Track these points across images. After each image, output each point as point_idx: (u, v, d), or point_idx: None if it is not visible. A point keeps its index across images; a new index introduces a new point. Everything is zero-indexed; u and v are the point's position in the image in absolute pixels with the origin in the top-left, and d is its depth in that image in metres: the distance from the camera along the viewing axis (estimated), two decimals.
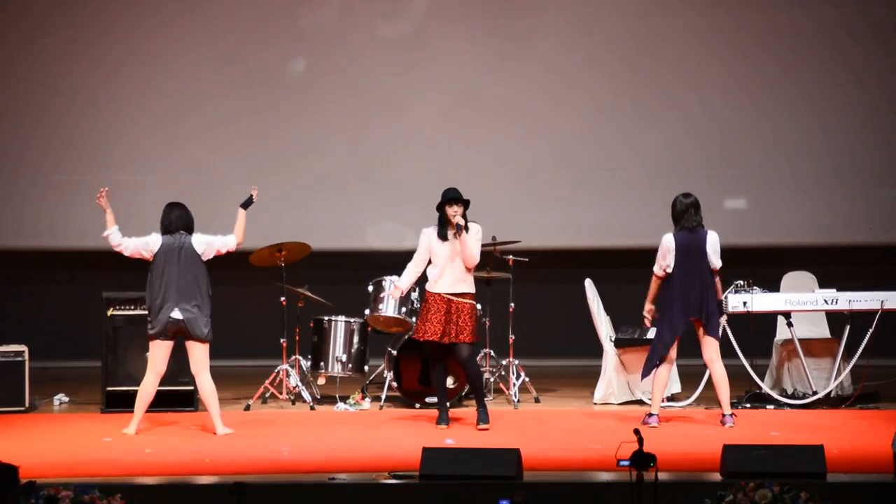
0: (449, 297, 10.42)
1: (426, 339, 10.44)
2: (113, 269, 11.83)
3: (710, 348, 10.50)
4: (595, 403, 11.75)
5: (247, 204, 10.43)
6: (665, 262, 10.50)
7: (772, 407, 11.34)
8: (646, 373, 10.62)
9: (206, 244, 10.23)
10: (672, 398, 11.56)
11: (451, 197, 10.43)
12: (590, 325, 12.02)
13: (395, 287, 10.91)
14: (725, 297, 11.02)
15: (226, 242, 10.30)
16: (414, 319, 11.59)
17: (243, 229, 10.39)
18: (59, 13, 14.34)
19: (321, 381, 11.96)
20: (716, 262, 10.50)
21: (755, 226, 14.36)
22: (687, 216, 10.50)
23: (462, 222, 10.33)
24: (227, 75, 14.36)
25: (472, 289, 10.52)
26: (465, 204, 10.44)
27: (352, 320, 11.87)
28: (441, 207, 10.46)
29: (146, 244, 10.20)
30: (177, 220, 10.24)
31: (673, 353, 10.57)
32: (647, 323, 10.73)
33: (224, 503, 7.77)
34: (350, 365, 11.83)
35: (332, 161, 14.47)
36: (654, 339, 10.64)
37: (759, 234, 14.26)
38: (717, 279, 10.56)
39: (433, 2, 14.50)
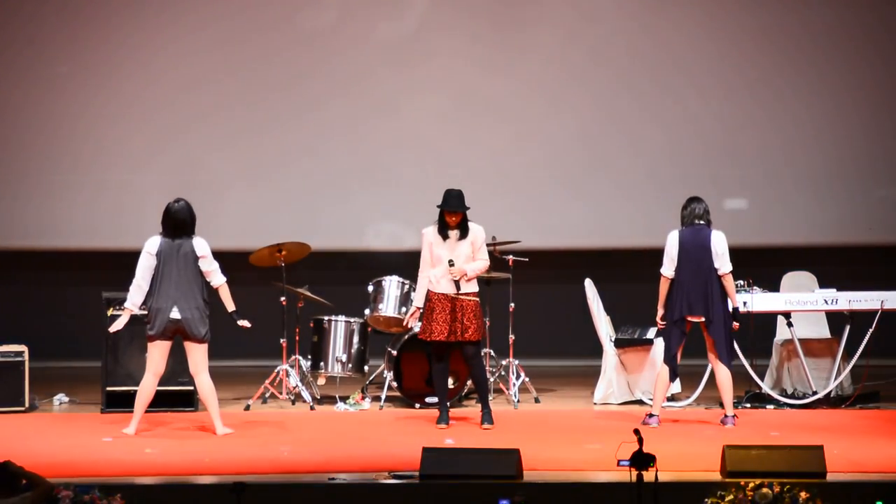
0: (453, 296, 10.43)
1: (433, 339, 10.44)
2: (113, 270, 11.82)
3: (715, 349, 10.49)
4: (595, 403, 11.75)
5: (232, 315, 10.31)
6: (672, 261, 10.47)
7: (772, 407, 11.35)
8: (672, 376, 10.57)
9: (206, 255, 10.18)
10: (672, 398, 11.55)
11: (450, 207, 10.43)
12: (590, 325, 12.02)
13: (415, 309, 10.64)
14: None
15: (215, 275, 10.21)
16: None
17: (227, 295, 10.30)
18: (58, 14, 14.33)
19: (321, 381, 11.96)
20: (722, 266, 10.45)
21: (755, 226, 14.35)
22: (690, 214, 10.51)
23: (457, 276, 10.37)
24: (227, 76, 14.35)
25: (475, 287, 10.55)
26: (466, 208, 10.47)
27: (352, 320, 11.87)
28: (441, 209, 10.49)
29: (146, 260, 10.14)
30: (177, 219, 10.22)
31: (677, 353, 10.55)
32: (661, 327, 10.64)
33: (224, 503, 7.78)
34: (350, 365, 11.83)
35: (332, 161, 14.47)
36: (665, 340, 10.60)
37: (759, 234, 14.25)
38: (729, 284, 10.49)
39: (432, 3, 14.50)
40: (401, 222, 14.26)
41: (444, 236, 10.50)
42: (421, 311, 10.62)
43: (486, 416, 10.50)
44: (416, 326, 10.92)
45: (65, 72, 14.34)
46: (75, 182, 14.36)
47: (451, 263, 10.40)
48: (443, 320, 10.42)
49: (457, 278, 10.40)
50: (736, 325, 10.56)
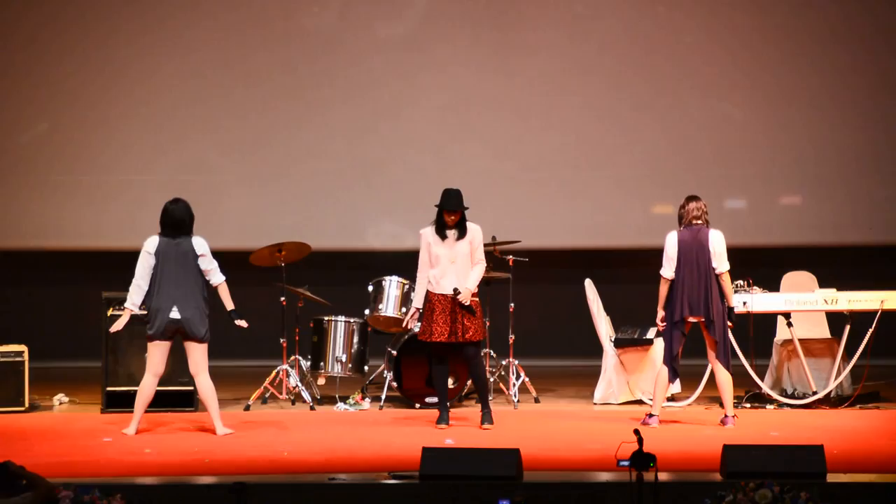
0: (453, 296, 10.42)
1: (434, 340, 10.42)
2: (113, 270, 11.83)
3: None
4: (595, 403, 11.75)
5: (231, 314, 10.28)
6: (672, 261, 10.47)
7: (772, 407, 11.35)
8: (673, 376, 10.56)
9: (205, 254, 10.16)
10: (672, 398, 11.55)
11: (449, 207, 10.42)
12: (590, 325, 12.01)
13: (415, 310, 10.62)
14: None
15: (214, 274, 10.19)
16: None
17: (226, 294, 10.29)
18: (59, 15, 14.34)
19: (321, 381, 11.96)
20: (719, 265, 10.44)
21: (755, 226, 14.35)
22: (688, 214, 10.50)
23: (467, 301, 10.34)
24: (227, 76, 14.36)
25: (475, 288, 10.54)
26: (465, 207, 10.46)
27: (352, 320, 11.87)
28: (439, 209, 10.48)
29: (146, 259, 10.13)
30: (175, 218, 10.21)
31: (678, 354, 10.54)
32: (661, 328, 10.63)
33: (224, 503, 7.78)
34: (350, 365, 11.83)
35: (332, 161, 14.47)
36: (665, 341, 10.59)
37: (759, 234, 14.25)
38: (725, 283, 10.47)
39: (432, 3, 14.50)
40: (401, 222, 14.26)
41: (443, 236, 10.49)
42: (420, 311, 10.62)
43: (486, 417, 10.50)
44: (416, 327, 10.91)
45: (65, 72, 14.33)
46: (76, 182, 14.36)
47: (455, 293, 10.35)
48: (443, 321, 10.41)
49: (467, 302, 10.38)
50: (731, 323, 10.56)
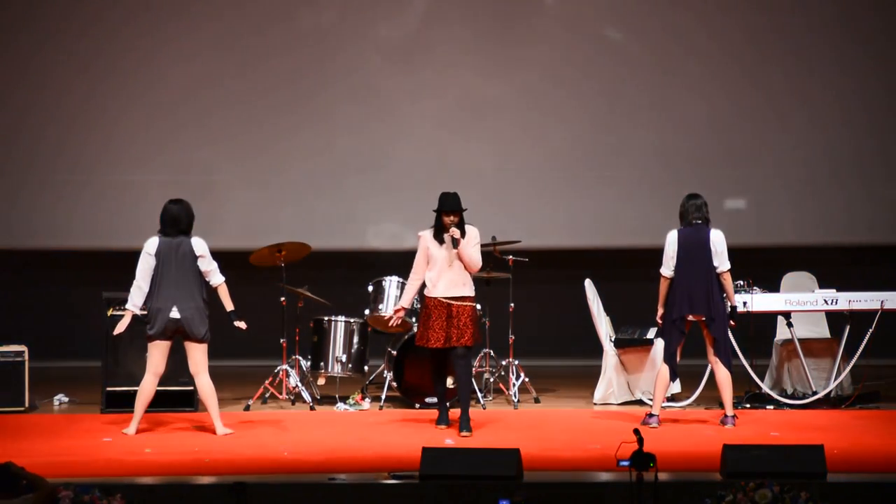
0: (449, 301, 10.37)
1: (430, 346, 10.36)
2: (113, 269, 11.83)
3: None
4: (595, 403, 11.75)
5: (230, 315, 10.27)
6: (672, 260, 10.47)
7: (772, 407, 11.34)
8: (672, 376, 10.56)
9: (205, 254, 10.17)
10: (672, 398, 11.55)
11: (448, 207, 10.37)
12: (590, 325, 12.01)
13: (401, 308, 10.62)
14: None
15: (214, 274, 10.19)
16: (414, 320, 11.57)
17: (226, 295, 10.28)
18: (60, 16, 14.33)
19: (321, 381, 11.96)
20: (721, 264, 10.45)
21: (755, 226, 14.36)
22: (689, 213, 10.51)
23: (457, 235, 10.29)
24: (227, 76, 14.35)
25: (472, 292, 10.43)
26: (463, 209, 10.43)
27: (352, 320, 11.87)
28: (438, 212, 10.45)
29: (146, 261, 10.13)
30: (175, 218, 10.22)
31: (677, 353, 10.54)
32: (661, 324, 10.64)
33: (224, 503, 7.78)
34: (350, 365, 11.83)
35: (333, 161, 14.47)
36: (664, 339, 10.59)
37: (759, 234, 14.26)
38: (727, 283, 10.48)
39: (432, 5, 14.50)
40: (401, 222, 14.26)
41: (441, 240, 10.43)
42: (405, 310, 10.62)
43: (464, 423, 10.24)
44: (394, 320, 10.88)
45: (65, 72, 14.33)
46: (75, 182, 14.35)
47: (453, 235, 10.32)
48: (439, 327, 10.32)
49: (455, 236, 10.29)
50: (733, 323, 10.57)
